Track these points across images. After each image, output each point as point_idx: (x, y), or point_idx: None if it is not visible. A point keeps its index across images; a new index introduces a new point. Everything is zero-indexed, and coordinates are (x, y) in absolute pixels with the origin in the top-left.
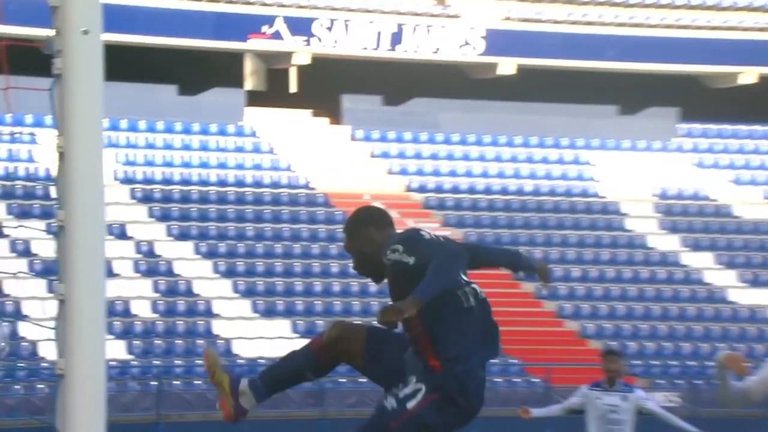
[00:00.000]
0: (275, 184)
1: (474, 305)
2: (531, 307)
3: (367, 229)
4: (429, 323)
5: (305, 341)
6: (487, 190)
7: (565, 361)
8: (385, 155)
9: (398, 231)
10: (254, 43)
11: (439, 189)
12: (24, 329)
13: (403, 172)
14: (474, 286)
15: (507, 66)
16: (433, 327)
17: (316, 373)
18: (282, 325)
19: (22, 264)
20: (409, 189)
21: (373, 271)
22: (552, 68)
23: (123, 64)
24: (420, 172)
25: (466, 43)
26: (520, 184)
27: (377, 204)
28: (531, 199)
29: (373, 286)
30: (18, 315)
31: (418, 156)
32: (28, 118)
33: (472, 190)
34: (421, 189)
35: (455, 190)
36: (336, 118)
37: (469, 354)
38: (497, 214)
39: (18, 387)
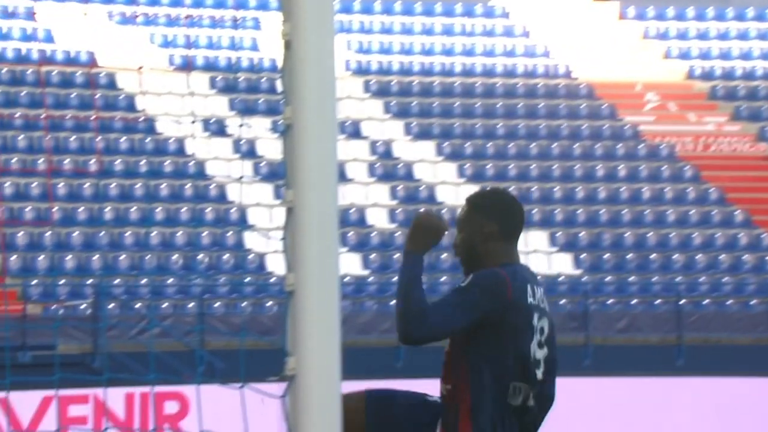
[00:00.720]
0: (530, 74)
1: (532, 405)
2: None
3: (491, 225)
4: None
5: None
6: None
7: None
8: (662, 36)
9: (505, 266)
10: None
11: (728, 76)
12: (250, 240)
13: (684, 56)
14: (538, 385)
15: None
16: (479, 415)
17: None
18: (539, 238)
19: (246, 167)
20: (690, 76)
21: (470, 267)
22: None
23: None
24: (704, 56)
25: None
26: None
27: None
28: None
29: (631, 194)
30: (243, 224)
31: (702, 37)
32: (252, 1)
33: None
34: (706, 76)
35: (748, 76)
36: None
37: None
38: None
39: (245, 304)
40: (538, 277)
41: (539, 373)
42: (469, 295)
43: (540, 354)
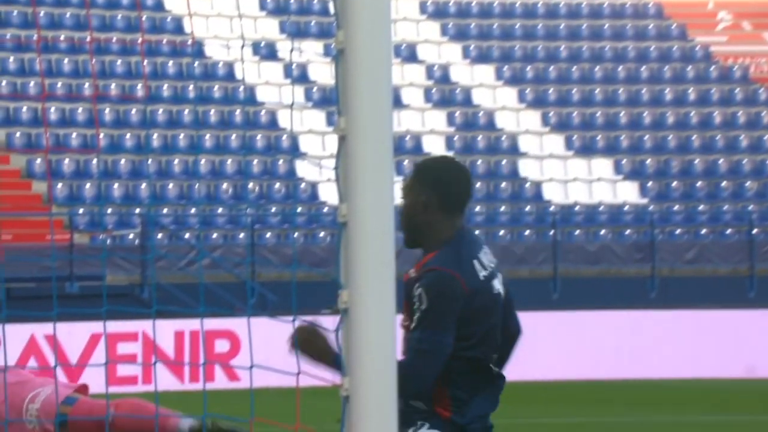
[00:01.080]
0: None
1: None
2: None
3: (431, 196)
4: (452, 387)
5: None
6: None
7: None
8: None
9: (453, 253)
10: None
11: None
12: (302, 168)
13: None
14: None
15: None
16: (456, 391)
17: None
18: (603, 165)
19: (298, 93)
20: None
21: (410, 236)
22: None
23: None
24: None
25: None
26: None
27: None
28: None
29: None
30: (295, 151)
31: None
32: None
33: None
34: None
35: None
36: None
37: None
38: None
39: (297, 235)
40: (481, 238)
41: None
42: (434, 311)
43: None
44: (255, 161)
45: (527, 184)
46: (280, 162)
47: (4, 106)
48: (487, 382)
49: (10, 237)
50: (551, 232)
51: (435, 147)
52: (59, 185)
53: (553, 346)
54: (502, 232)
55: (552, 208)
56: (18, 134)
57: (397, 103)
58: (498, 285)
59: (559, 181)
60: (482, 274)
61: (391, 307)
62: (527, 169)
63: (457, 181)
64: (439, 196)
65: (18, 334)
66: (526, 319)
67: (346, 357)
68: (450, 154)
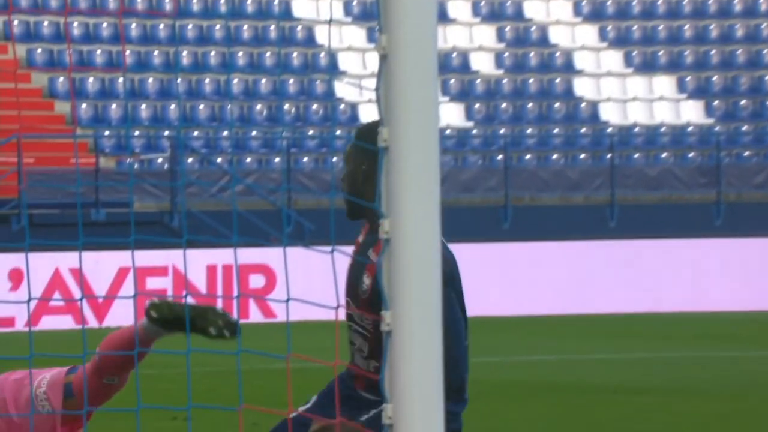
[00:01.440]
0: None
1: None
2: None
3: (374, 165)
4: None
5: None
6: None
7: None
8: None
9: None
10: None
11: None
12: (341, 88)
13: None
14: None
15: None
16: None
17: None
18: (664, 83)
19: (336, 7)
20: None
21: (350, 206)
22: None
23: None
24: None
25: None
26: None
27: None
28: None
29: None
30: (333, 70)
31: None
32: None
33: None
34: None
35: None
36: None
37: None
38: None
39: (335, 159)
40: None
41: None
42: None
43: None
44: (291, 80)
45: (583, 104)
46: (318, 81)
47: (24, 20)
48: None
49: (32, 160)
50: (608, 156)
51: (483, 65)
52: (83, 106)
53: (610, 278)
54: (555, 156)
55: (609, 130)
56: (39, 51)
57: (443, 17)
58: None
59: (617, 100)
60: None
61: (436, 237)
62: (583, 87)
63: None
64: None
65: (42, 264)
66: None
67: (387, 290)
68: (500, 72)
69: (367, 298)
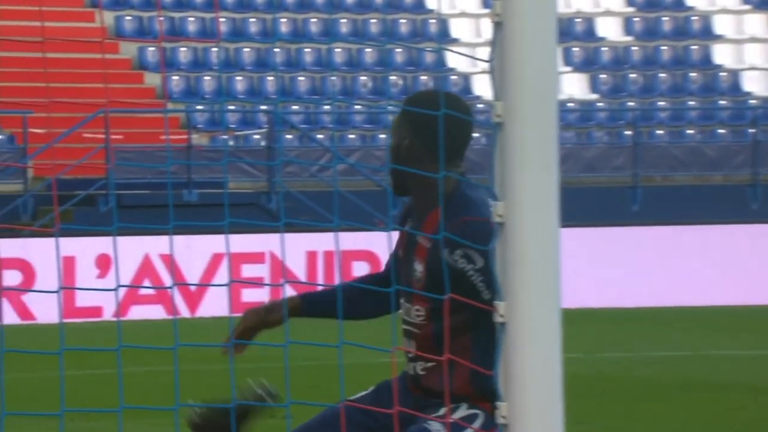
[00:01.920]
0: None
1: None
2: None
3: (413, 141)
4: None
5: None
6: None
7: None
8: None
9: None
10: None
11: None
12: (453, 59)
13: None
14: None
15: None
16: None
17: None
18: None
19: None
20: None
21: (395, 181)
22: None
23: None
24: None
25: None
26: None
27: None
28: None
29: None
30: (444, 38)
31: None
32: None
33: None
34: None
35: None
36: None
37: None
38: None
39: None
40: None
41: None
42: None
43: None
44: (398, 50)
45: (722, 74)
46: (428, 50)
47: None
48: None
49: (120, 137)
50: (751, 131)
51: (610, 31)
52: (174, 78)
53: (754, 266)
54: (690, 131)
55: (752, 102)
56: (128, 18)
57: None
58: None
59: (761, 69)
60: None
61: (554, 218)
62: (722, 55)
63: (448, 126)
64: (422, 142)
65: (130, 249)
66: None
67: (501, 276)
68: (629, 38)
69: (421, 285)
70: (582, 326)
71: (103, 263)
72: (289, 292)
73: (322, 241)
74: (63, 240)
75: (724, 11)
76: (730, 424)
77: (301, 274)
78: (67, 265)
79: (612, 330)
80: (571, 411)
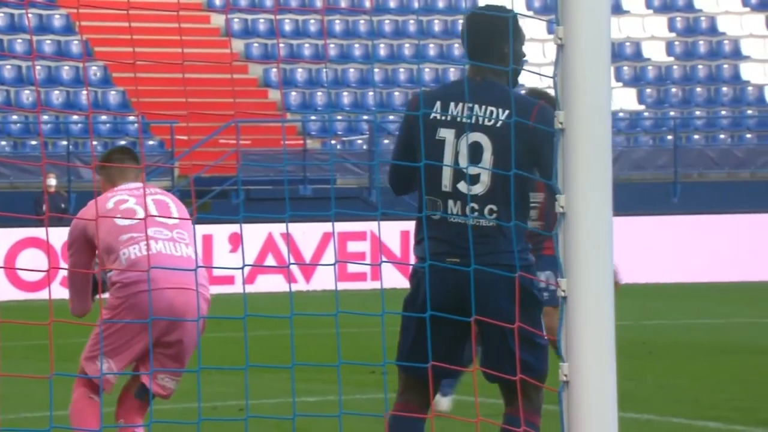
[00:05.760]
0: None
1: None
2: None
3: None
4: None
5: None
6: None
7: None
8: None
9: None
10: None
11: None
12: (524, 77)
13: None
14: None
15: None
16: None
17: None
18: None
19: (519, 3)
20: None
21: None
22: None
23: None
24: None
25: None
26: None
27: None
28: None
29: None
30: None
31: None
32: None
33: None
34: None
35: None
36: None
37: None
38: None
39: None
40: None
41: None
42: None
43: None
44: None
45: (749, 88)
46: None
47: (242, 18)
48: None
49: (248, 142)
50: None
51: (655, 53)
52: (293, 94)
53: None
54: (722, 136)
55: None
56: (255, 45)
57: (617, 9)
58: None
59: None
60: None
61: (608, 210)
62: (749, 72)
63: (466, 29)
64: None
65: (255, 233)
66: (747, 221)
67: (563, 260)
68: (670, 59)
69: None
70: (631, 299)
71: (235, 241)
72: (386, 269)
73: (412, 226)
74: (204, 226)
75: (752, 36)
76: (760, 380)
77: (396, 250)
78: (206, 243)
79: (656, 302)
80: (622, 369)
